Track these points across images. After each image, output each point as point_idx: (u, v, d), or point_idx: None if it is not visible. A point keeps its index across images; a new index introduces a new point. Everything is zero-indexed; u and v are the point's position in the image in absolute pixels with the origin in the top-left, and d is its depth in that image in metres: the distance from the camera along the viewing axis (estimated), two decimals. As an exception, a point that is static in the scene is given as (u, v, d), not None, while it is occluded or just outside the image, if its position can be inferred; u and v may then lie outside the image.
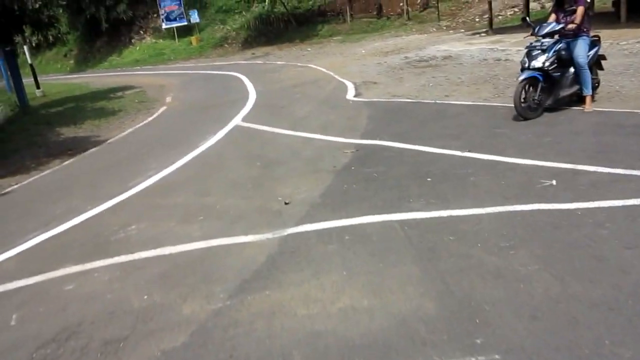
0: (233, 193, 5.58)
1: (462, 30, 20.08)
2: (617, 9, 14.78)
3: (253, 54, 26.51)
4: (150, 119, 12.19)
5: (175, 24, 34.00)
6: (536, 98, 6.75)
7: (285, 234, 4.32)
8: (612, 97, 7.56)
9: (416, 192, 4.82)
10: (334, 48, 22.12)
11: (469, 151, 5.80)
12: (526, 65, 6.79)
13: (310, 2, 30.81)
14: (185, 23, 33.98)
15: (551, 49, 6.68)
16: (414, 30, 23.00)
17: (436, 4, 24.09)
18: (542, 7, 21.15)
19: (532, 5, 20.43)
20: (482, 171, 5.15)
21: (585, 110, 6.87)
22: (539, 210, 4.15)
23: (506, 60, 12.17)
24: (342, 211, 4.60)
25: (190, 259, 4.15)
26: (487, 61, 12.41)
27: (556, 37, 6.88)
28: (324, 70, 15.41)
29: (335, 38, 25.76)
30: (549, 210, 4.14)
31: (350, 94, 10.62)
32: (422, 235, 3.98)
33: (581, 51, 6.83)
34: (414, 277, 3.39)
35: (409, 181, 5.13)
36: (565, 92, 6.97)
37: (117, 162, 8.21)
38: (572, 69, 7.00)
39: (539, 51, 6.71)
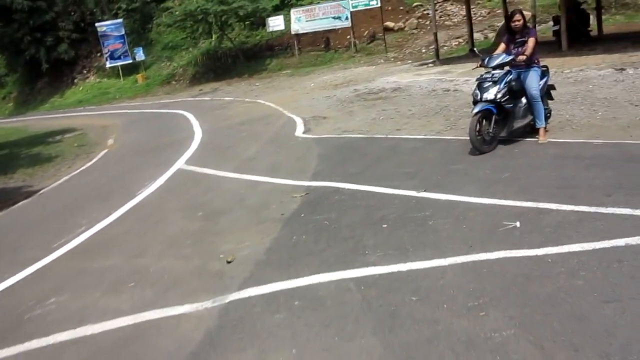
0: (170, 252, 5.00)
1: (410, 61, 20.20)
2: (558, 37, 15.09)
3: (201, 90, 26.02)
4: (88, 164, 11.44)
5: (119, 62, 33.23)
6: (490, 131, 6.51)
7: (227, 301, 3.78)
8: (564, 126, 7.41)
9: (371, 242, 4.38)
10: (283, 82, 21.86)
11: (425, 191, 5.43)
12: (478, 97, 6.55)
13: (258, 37, 30.67)
14: (130, 61, 33.28)
15: (502, 80, 6.48)
16: (362, 62, 23.05)
17: (383, 36, 24.29)
18: (486, 38, 21.60)
19: (475, 35, 20.81)
20: (441, 213, 4.78)
21: (540, 141, 6.67)
22: (506, 259, 3.77)
23: (455, 90, 12.09)
24: (290, 269, 4.11)
25: (116, 341, 3.54)
26: (437, 92, 12.30)
27: (506, 68, 6.69)
28: (272, 105, 15.04)
29: (284, 72, 25.56)
30: (516, 258, 3.76)
31: (300, 131, 10.23)
32: (381, 296, 3.51)
33: (533, 82, 6.66)
34: (375, 354, 2.91)
35: (364, 229, 4.69)
36: (519, 124, 6.76)
37: (46, 217, 7.47)
38: (524, 100, 6.82)
39: (490, 83, 6.50)
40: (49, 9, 32.29)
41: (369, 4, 23.88)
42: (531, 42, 6.61)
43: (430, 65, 17.06)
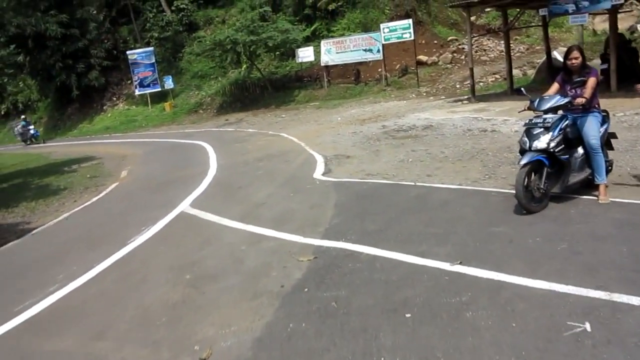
0: (138, 334, 4.02)
1: (443, 97, 19.20)
2: (606, 77, 13.91)
3: (227, 120, 25.47)
4: (94, 199, 10.67)
5: (148, 90, 33.09)
6: (542, 186, 5.42)
7: None
8: (626, 180, 6.27)
9: (390, 341, 3.33)
10: (309, 114, 21.09)
11: (460, 263, 4.36)
12: (527, 146, 5.49)
13: (288, 68, 30.20)
14: (159, 89, 33.11)
15: (556, 126, 5.42)
16: (392, 96, 22.15)
17: (415, 70, 23.42)
18: (524, 74, 20.50)
19: (513, 72, 19.75)
20: (482, 300, 3.70)
21: (601, 201, 5.54)
22: (576, 386, 2.68)
23: (493, 131, 11.01)
24: (279, 378, 3.09)
25: None
26: (472, 132, 11.24)
27: (560, 112, 5.64)
28: (295, 140, 14.19)
29: (311, 104, 24.85)
30: (592, 386, 2.67)
31: (319, 172, 9.27)
32: None
33: (593, 130, 5.58)
34: None
35: (381, 318, 3.64)
36: (575, 178, 5.66)
37: (25, 266, 6.61)
38: (580, 150, 5.73)
39: (542, 129, 5.44)
40: (82, 36, 32.49)
41: (401, 37, 23.07)
42: (592, 82, 5.56)
43: (465, 102, 16.03)
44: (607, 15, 23.85)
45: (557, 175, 5.56)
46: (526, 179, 5.33)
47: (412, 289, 4.00)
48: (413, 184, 7.43)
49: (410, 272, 4.35)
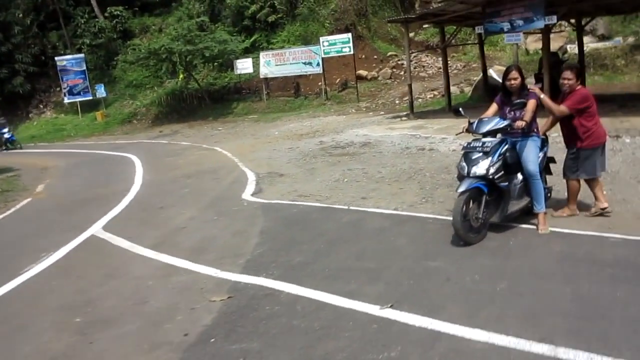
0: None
1: (382, 113, 19.02)
2: (539, 95, 14.03)
3: (161, 131, 24.43)
4: (-2, 218, 9.61)
5: (79, 99, 31.47)
6: (480, 216, 5.03)
7: None
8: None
9: (304, 414, 2.76)
10: (246, 128, 20.43)
11: (391, 306, 3.86)
12: (465, 171, 5.11)
13: (227, 79, 29.43)
14: (90, 97, 31.54)
15: (496, 151, 5.06)
16: (332, 110, 21.83)
17: (355, 84, 23.23)
18: (462, 92, 20.66)
19: (451, 89, 19.85)
20: (412, 357, 3.20)
21: (540, 231, 5.21)
22: None
23: (431, 149, 10.75)
24: None
25: None
26: (410, 150, 10.95)
27: (499, 135, 5.30)
28: (228, 155, 13.52)
29: (250, 117, 24.20)
30: None
31: (249, 191, 8.65)
32: None
33: (532, 155, 5.27)
34: None
35: (296, 382, 3.07)
36: (514, 207, 5.31)
37: None
38: (520, 176, 5.41)
39: (480, 154, 5.07)
40: (6, 40, 30.55)
41: (341, 51, 22.86)
42: (531, 105, 5.26)
43: (404, 118, 15.84)
44: (539, 35, 24.58)
45: (496, 204, 5.20)
46: (464, 208, 4.92)
47: (335, 341, 3.45)
48: (347, 207, 6.94)
49: (335, 317, 3.81)
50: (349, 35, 22.79)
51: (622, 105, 13.00)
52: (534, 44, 24.56)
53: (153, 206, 8.49)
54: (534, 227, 5.35)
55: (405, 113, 16.82)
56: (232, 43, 26.05)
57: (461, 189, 4.94)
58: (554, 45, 22.97)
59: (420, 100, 20.41)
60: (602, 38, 23.87)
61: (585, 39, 22.44)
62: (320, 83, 24.51)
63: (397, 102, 21.29)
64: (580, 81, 5.60)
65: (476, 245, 4.99)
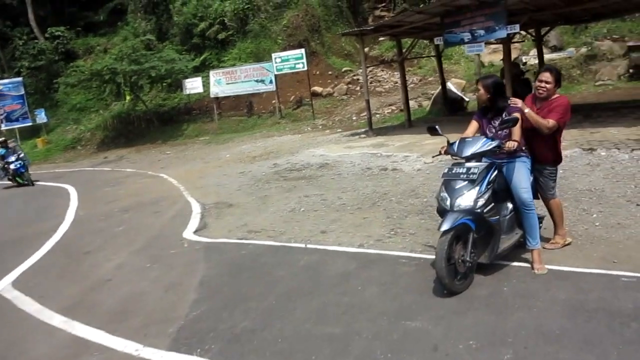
0: None
1: (340, 130, 18.17)
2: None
3: (105, 157, 22.92)
4: None
5: (17, 125, 29.46)
6: (468, 258, 4.10)
7: None
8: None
9: None
10: (196, 151, 19.22)
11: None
12: (447, 204, 4.18)
13: (176, 100, 28.14)
14: (30, 123, 29.62)
15: (484, 179, 4.16)
16: (287, 129, 20.86)
17: (310, 102, 22.36)
18: (420, 106, 20.07)
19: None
20: None
21: (537, 271, 4.33)
22: None
23: (394, 169, 9.88)
24: None
25: None
26: (372, 171, 10.05)
27: (483, 159, 4.40)
28: (174, 182, 12.33)
29: (201, 139, 22.99)
30: None
31: (192, 228, 7.53)
32: None
33: (523, 181, 4.40)
34: None
35: None
36: (506, 244, 4.41)
37: None
38: (509, 205, 4.52)
39: (465, 182, 4.16)
40: None
41: (294, 67, 22.00)
42: (518, 121, 4.39)
43: (363, 135, 15.00)
44: (494, 47, 24.38)
45: (484, 242, 4.29)
46: (449, 250, 3.99)
47: None
48: (304, 246, 5.92)
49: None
50: (302, 51, 21.97)
51: (587, 115, 12.51)
52: (488, 56, 24.32)
53: (79, 251, 7.24)
54: (527, 264, 4.48)
55: (363, 130, 16.01)
56: (181, 62, 24.85)
57: (445, 227, 3.99)
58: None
59: (378, 115, 19.68)
60: (555, 49, 23.82)
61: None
62: (274, 101, 23.56)
63: (354, 118, 20.52)
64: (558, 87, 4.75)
65: (463, 294, 4.06)
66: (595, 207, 6.05)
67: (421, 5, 13.43)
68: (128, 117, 27.82)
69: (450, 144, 4.53)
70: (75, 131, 29.82)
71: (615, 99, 15.77)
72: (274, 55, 22.55)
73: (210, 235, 7.01)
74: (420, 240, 5.63)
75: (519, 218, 4.49)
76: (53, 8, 35.82)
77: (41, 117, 29.61)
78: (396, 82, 24.39)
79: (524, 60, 22.69)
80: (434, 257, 4.75)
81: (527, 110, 4.63)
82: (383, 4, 29.24)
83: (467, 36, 11.83)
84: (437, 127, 4.73)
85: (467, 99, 18.69)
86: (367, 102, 15.00)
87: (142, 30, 30.53)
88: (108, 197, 11.82)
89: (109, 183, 14.31)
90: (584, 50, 22.11)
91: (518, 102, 4.65)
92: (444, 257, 3.92)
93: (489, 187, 4.16)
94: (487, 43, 15.20)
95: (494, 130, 4.59)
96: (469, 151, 4.28)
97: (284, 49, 24.18)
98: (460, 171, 4.21)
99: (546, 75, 4.63)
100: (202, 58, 27.51)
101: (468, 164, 4.25)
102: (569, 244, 4.92)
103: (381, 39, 24.51)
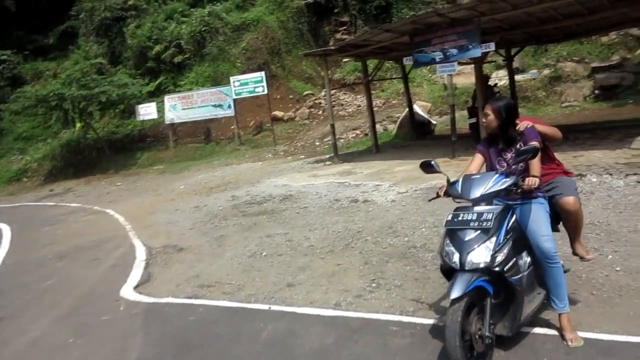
0: None
1: (303, 157, 17.15)
2: (475, 131, 12.70)
3: (51, 190, 21.22)
4: None
5: (-45, 156, 27.38)
6: (487, 333, 3.09)
7: None
8: (579, 289, 4.24)
9: None
10: (150, 181, 17.86)
11: None
12: (455, 261, 3.16)
13: (130, 127, 26.66)
14: (-30, 155, 27.60)
15: (500, 227, 3.18)
16: (247, 156, 19.72)
17: (271, 127, 21.33)
18: (385, 130, 19.29)
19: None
20: None
21: (570, 343, 3.36)
22: None
23: (365, 201, 8.90)
24: None
25: None
26: (341, 203, 9.04)
27: (494, 201, 3.42)
28: (120, 220, 11.05)
29: (155, 167, 21.59)
30: None
31: (133, 281, 6.31)
32: None
33: (544, 227, 3.46)
34: None
35: None
36: (529, 309, 3.41)
37: None
38: (526, 258, 3.55)
39: (478, 232, 3.16)
40: None
41: (254, 91, 20.97)
42: (537, 152, 3.45)
43: (328, 162, 14.01)
44: (459, 69, 24.00)
45: (502, 308, 3.29)
46: (462, 322, 2.96)
47: None
48: (267, 308, 4.80)
49: None
50: (262, 73, 20.98)
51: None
52: (453, 78, 23.89)
53: (-9, 315, 5.93)
54: (554, 331, 3.51)
55: (328, 156, 15.04)
56: (134, 87, 23.49)
57: (455, 293, 2.97)
58: (471, 80, 22.39)
59: (342, 140, 18.77)
60: (517, 71, 23.61)
61: (501, 72, 22.05)
62: (232, 127, 22.41)
63: (317, 143, 19.57)
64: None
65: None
66: (608, 246, 5.18)
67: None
68: (78, 146, 26.15)
69: (451, 184, 3.54)
70: (20, 162, 27.89)
71: (586, 120, 15.36)
72: (232, 79, 21.50)
73: (153, 292, 5.81)
74: (409, 295, 4.62)
75: (540, 273, 3.52)
76: (-1, 31, 33.98)
77: (-18, 147, 27.70)
78: (359, 106, 23.66)
79: (494, 82, 22.35)
80: (431, 322, 3.78)
81: (538, 126, 3.80)
82: (344, 27, 28.71)
83: (438, 55, 11.06)
84: (433, 162, 3.72)
85: (434, 122, 18.02)
86: (332, 126, 14.05)
87: (94, 53, 29.05)
88: (45, 238, 10.44)
89: (49, 221, 12.87)
90: (547, 71, 21.93)
91: (527, 123, 3.76)
92: (457, 334, 2.90)
93: (508, 237, 3.18)
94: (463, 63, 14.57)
95: (505, 165, 3.65)
96: (477, 192, 3.30)
97: (243, 72, 23.15)
98: (469, 218, 3.22)
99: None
100: (157, 82, 26.19)
101: (478, 208, 3.26)
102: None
103: (345, 60, 23.78)
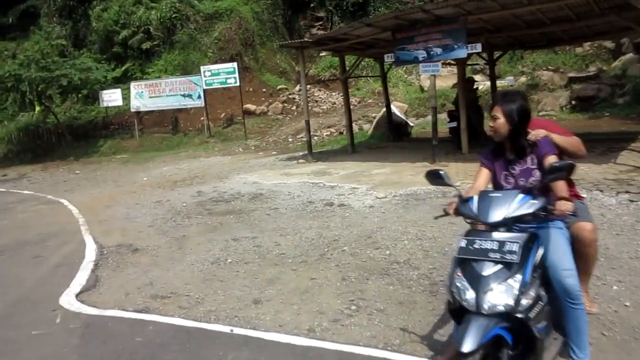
0: None
1: (274, 153, 16.45)
2: (455, 137, 12.22)
3: (4, 175, 19.96)
4: None
5: None
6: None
7: None
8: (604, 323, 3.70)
9: None
10: (111, 171, 16.88)
11: None
12: (470, 299, 2.51)
13: (93, 113, 25.43)
14: None
15: (527, 262, 2.56)
16: (216, 149, 18.91)
17: (242, 120, 20.54)
18: (361, 129, 18.74)
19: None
20: None
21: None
22: None
23: (341, 205, 8.28)
24: None
25: None
26: (315, 206, 8.40)
27: (515, 225, 2.80)
28: (74, 211, 10.20)
29: (118, 157, 20.58)
30: None
31: (76, 286, 5.53)
32: None
33: (565, 260, 2.86)
34: None
35: None
36: (547, 359, 2.82)
37: None
38: (542, 294, 2.94)
39: (499, 266, 2.54)
40: None
41: (225, 82, 20.13)
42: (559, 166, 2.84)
43: (302, 161, 13.34)
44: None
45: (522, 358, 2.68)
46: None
47: None
48: (229, 330, 4.12)
49: None
50: (234, 64, 20.15)
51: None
52: (427, 80, 23.36)
53: None
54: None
55: (302, 154, 14.37)
56: (98, 71, 22.33)
57: (467, 346, 2.32)
58: (448, 82, 22.01)
59: (316, 138, 18.14)
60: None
61: (477, 77, 21.75)
62: (202, 118, 21.52)
63: (290, 140, 18.89)
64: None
65: None
66: (610, 274, 4.65)
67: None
68: (37, 130, 24.82)
69: (463, 200, 2.91)
70: (-27, 145, 26.41)
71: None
72: (203, 68, 20.60)
73: (98, 301, 5.05)
74: (394, 322, 4.01)
75: (556, 314, 2.93)
76: (-45, 7, 32.16)
77: None
78: (334, 103, 23.08)
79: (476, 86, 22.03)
80: None
81: (554, 136, 3.20)
82: (320, 23, 28.09)
83: (421, 54, 10.51)
84: (442, 172, 3.06)
85: (411, 124, 17.53)
86: (307, 123, 13.37)
87: (57, 35, 27.63)
88: (-14, 229, 9.50)
89: (-4, 209, 11.86)
90: (523, 79, 21.74)
91: (540, 132, 3.16)
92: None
93: (535, 275, 2.58)
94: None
95: (512, 181, 3.05)
96: (499, 214, 2.66)
97: (215, 63, 22.28)
98: (488, 247, 2.58)
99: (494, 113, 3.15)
100: (123, 69, 25.06)
101: (498, 235, 2.63)
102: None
103: (322, 54, 23.15)
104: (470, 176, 9.30)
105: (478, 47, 10.08)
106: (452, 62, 14.13)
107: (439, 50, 10.27)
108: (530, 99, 19.79)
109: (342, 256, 5.77)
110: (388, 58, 11.42)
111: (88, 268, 6.19)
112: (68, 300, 5.14)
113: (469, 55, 11.00)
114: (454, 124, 12.07)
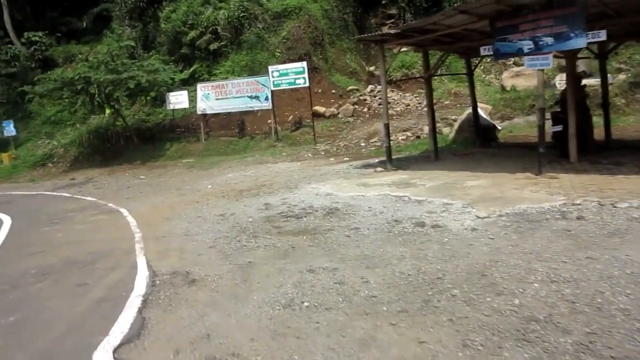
0: None
1: (347, 159, 15.13)
2: (560, 142, 10.45)
3: (72, 179, 19.86)
4: None
5: (-19, 138, 26.42)
6: None
7: None
8: None
9: None
10: (175, 177, 16.15)
11: None
12: None
13: (161, 116, 25.13)
14: (-3, 136, 26.60)
15: None
16: (284, 154, 17.83)
17: (311, 123, 19.38)
18: (440, 133, 17.04)
19: (425, 129, 16.32)
20: None
21: None
22: None
23: (435, 226, 6.83)
24: None
25: None
26: (403, 226, 6.99)
27: None
28: (132, 224, 9.36)
29: (184, 161, 19.96)
30: None
31: (117, 334, 4.41)
32: None
33: None
34: None
35: None
36: None
37: None
38: None
39: None
40: None
41: (294, 83, 19.06)
42: None
43: (379, 169, 11.91)
44: (518, 70, 21.54)
45: None
46: None
47: None
48: None
49: None
50: (304, 63, 19.04)
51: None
52: (510, 80, 21.49)
53: None
54: None
55: (378, 160, 12.97)
56: (165, 73, 21.91)
57: None
58: (532, 82, 19.93)
59: (391, 142, 16.64)
60: (585, 75, 21.07)
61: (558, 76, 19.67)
62: (269, 121, 20.54)
63: (362, 144, 17.53)
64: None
65: None
66: None
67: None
68: (106, 133, 24.82)
69: None
70: (47, 146, 26.78)
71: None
72: (270, 68, 19.63)
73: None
74: None
75: None
76: (32, 11, 33.02)
77: (9, 129, 26.73)
78: (408, 105, 21.54)
79: (557, 85, 19.86)
80: None
81: None
82: (391, 20, 26.57)
83: (528, 45, 8.86)
84: None
85: (499, 127, 15.72)
86: (387, 126, 11.90)
87: (126, 37, 27.61)
88: (38, 244, 8.78)
89: (54, 218, 11.24)
90: (623, 76, 19.36)
91: None
92: None
93: None
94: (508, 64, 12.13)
95: None
96: None
97: (283, 63, 21.27)
98: None
99: None
100: (191, 70, 24.60)
101: None
102: None
103: (403, 49, 21.59)
104: (592, 191, 7.62)
105: (602, 35, 8.29)
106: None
107: (549, 40, 8.59)
108: (634, 99, 17.57)
109: (454, 305, 4.35)
110: (485, 51, 9.80)
111: (135, 305, 5.07)
112: (102, 357, 3.99)
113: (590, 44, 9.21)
114: (559, 128, 10.29)
